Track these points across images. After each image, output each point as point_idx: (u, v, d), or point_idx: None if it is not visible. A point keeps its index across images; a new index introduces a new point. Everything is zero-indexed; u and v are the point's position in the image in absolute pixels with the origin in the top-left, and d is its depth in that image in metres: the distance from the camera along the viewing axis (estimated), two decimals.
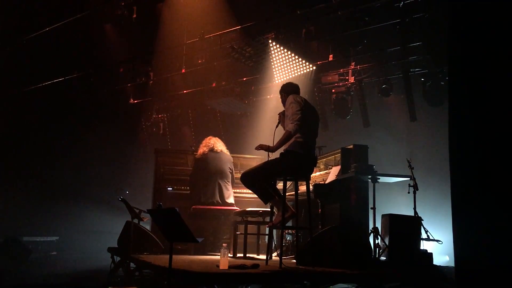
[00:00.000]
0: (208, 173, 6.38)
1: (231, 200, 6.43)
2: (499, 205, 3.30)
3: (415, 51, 7.41)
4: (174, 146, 10.45)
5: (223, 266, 3.97)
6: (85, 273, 7.07)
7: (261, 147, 4.61)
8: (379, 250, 4.88)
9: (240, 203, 6.65)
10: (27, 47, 10.16)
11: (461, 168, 3.52)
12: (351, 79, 8.18)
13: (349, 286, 4.49)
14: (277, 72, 8.64)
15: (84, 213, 10.59)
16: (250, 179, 4.69)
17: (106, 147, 10.90)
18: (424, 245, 5.14)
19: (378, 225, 5.00)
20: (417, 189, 5.28)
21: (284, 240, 5.89)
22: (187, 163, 7.23)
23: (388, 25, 7.17)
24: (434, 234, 5.34)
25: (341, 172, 5.54)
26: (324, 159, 6.36)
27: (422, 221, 5.12)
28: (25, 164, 10.67)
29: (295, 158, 4.53)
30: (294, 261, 5.01)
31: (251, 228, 5.87)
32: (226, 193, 6.38)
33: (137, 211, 5.46)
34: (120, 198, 5.44)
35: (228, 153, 6.68)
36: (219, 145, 6.60)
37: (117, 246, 5.91)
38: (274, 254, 5.63)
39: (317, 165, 6.09)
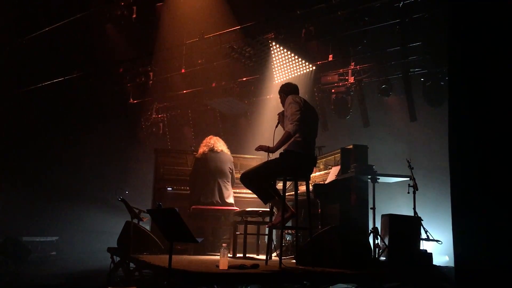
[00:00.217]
0: (207, 173, 6.38)
1: (230, 200, 6.42)
2: (498, 205, 3.30)
3: (415, 51, 7.40)
4: (174, 146, 10.44)
5: (223, 266, 3.97)
6: (84, 273, 7.07)
7: (261, 148, 4.61)
8: (378, 250, 4.88)
9: (240, 203, 6.65)
10: (26, 47, 10.15)
11: (461, 168, 3.52)
12: (351, 79, 8.17)
13: (348, 286, 4.48)
14: (277, 72, 8.64)
15: (84, 213, 10.59)
16: (250, 179, 4.68)
17: (106, 147, 10.90)
18: (424, 245, 5.13)
19: (378, 225, 5.00)
20: (417, 189, 5.28)
21: (283, 240, 5.89)
22: (187, 163, 7.23)
23: (388, 25, 7.18)
24: (433, 234, 5.34)
25: (341, 172, 5.54)
26: (324, 159, 6.36)
27: (421, 221, 5.12)
28: (25, 164, 10.67)
29: (295, 158, 4.52)
30: (294, 261, 5.02)
31: (251, 228, 5.87)
32: (225, 193, 6.37)
33: (136, 211, 5.45)
34: (120, 198, 5.43)
35: (229, 153, 6.68)
36: (219, 145, 6.60)
37: (116, 246, 5.91)
38: (274, 254, 5.63)
39: (317, 165, 6.09)
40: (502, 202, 3.28)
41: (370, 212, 5.15)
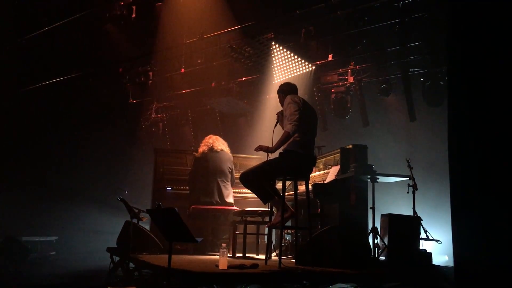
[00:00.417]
0: (207, 172, 6.38)
1: (230, 199, 6.43)
2: (498, 205, 3.31)
3: (414, 51, 7.40)
4: (174, 146, 10.44)
5: (222, 266, 3.97)
6: (84, 273, 7.06)
7: (260, 148, 4.61)
8: (378, 250, 4.88)
9: (240, 203, 6.65)
10: (26, 47, 10.15)
11: (461, 168, 3.52)
12: (351, 79, 8.17)
13: (348, 286, 4.48)
14: (277, 72, 8.64)
15: (83, 213, 10.58)
16: (249, 179, 4.69)
17: (105, 146, 10.88)
18: (424, 245, 5.14)
19: (378, 225, 5.01)
20: (416, 189, 5.28)
21: (283, 240, 5.89)
22: (187, 163, 7.23)
23: (388, 25, 7.17)
24: (433, 234, 5.34)
25: (340, 172, 5.54)
26: (324, 159, 6.36)
27: (421, 221, 5.12)
28: (24, 164, 10.66)
29: (295, 158, 4.53)
30: (294, 261, 5.02)
31: (251, 228, 5.87)
32: (225, 192, 6.37)
33: (136, 211, 5.45)
34: (119, 198, 5.43)
35: (229, 152, 6.68)
36: (219, 144, 6.59)
37: (116, 246, 5.91)
38: (273, 254, 5.63)
39: (317, 165, 6.09)
40: (501, 202, 3.29)
41: (370, 212, 5.15)
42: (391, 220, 4.89)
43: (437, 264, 5.09)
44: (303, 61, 8.32)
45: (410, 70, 7.57)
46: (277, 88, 5.04)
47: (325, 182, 5.72)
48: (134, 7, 9.20)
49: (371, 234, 4.99)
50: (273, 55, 8.42)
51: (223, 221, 6.45)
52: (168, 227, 3.59)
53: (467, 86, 3.61)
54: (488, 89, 3.50)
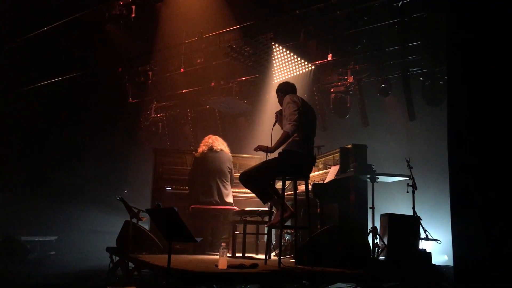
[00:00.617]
0: (206, 172, 6.38)
1: (230, 199, 6.43)
2: (498, 204, 3.31)
3: (414, 51, 7.40)
4: (173, 145, 10.44)
5: (222, 265, 3.97)
6: (83, 272, 7.06)
7: (259, 148, 4.61)
8: (378, 250, 4.89)
9: (239, 203, 6.65)
10: (26, 47, 10.14)
11: (460, 167, 3.52)
12: (350, 79, 8.17)
13: (348, 285, 4.48)
14: (276, 71, 8.64)
15: (83, 212, 10.58)
16: (249, 179, 4.68)
17: (105, 146, 10.88)
18: (423, 245, 5.14)
19: (377, 224, 5.01)
20: (416, 189, 5.29)
21: (283, 239, 5.89)
22: (186, 163, 7.23)
23: (387, 25, 7.17)
24: (433, 234, 5.34)
25: (340, 171, 5.54)
26: (323, 159, 6.36)
27: (421, 221, 5.12)
28: (24, 164, 10.66)
29: (294, 158, 4.52)
30: (293, 260, 5.01)
31: (250, 228, 5.87)
32: (224, 192, 6.37)
33: (136, 210, 5.46)
34: (119, 197, 5.43)
35: (228, 152, 6.68)
36: (218, 144, 6.59)
37: (115, 245, 5.91)
38: (273, 253, 5.63)
39: (316, 164, 6.09)
40: (501, 201, 3.29)
41: (369, 211, 5.15)
42: (390, 219, 4.89)
43: (436, 263, 5.10)
44: (302, 60, 8.32)
45: (410, 69, 7.58)
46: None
47: (325, 182, 5.72)
48: (133, 7, 9.18)
49: (370, 234, 4.99)
50: (272, 55, 8.41)
51: (223, 221, 6.45)
52: (168, 227, 3.59)
53: (466, 86, 3.61)
54: (487, 88, 3.50)
